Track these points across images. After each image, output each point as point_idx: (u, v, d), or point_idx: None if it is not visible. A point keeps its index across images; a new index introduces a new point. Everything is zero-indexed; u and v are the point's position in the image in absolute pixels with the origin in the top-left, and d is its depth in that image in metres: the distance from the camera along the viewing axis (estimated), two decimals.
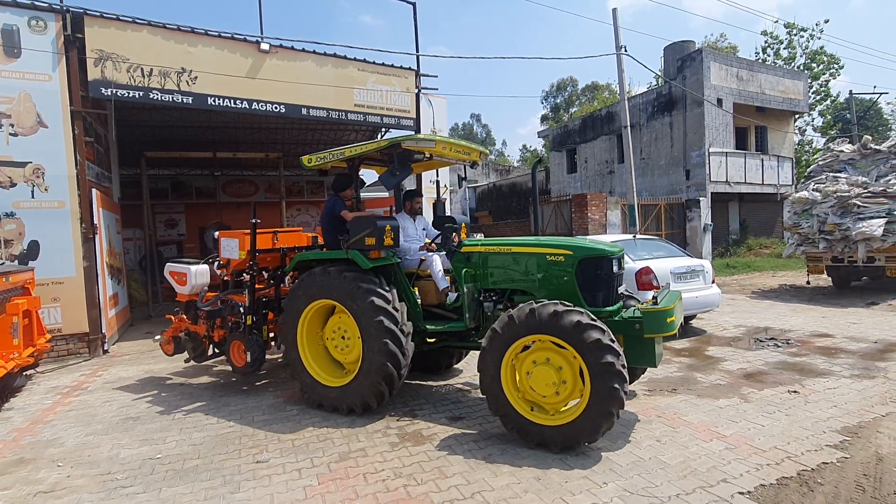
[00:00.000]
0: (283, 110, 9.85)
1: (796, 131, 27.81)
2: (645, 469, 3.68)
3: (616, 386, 3.67)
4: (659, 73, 21.70)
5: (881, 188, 10.43)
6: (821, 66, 31.84)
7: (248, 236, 5.64)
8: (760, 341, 7.45)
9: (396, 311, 4.67)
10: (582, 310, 3.89)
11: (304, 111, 10.09)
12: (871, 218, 10.13)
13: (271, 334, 6.07)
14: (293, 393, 5.73)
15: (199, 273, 6.14)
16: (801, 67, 30.71)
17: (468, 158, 5.39)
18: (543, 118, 53.33)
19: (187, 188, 17.80)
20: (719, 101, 19.25)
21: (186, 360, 6.30)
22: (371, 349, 4.65)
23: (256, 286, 5.79)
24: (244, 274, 5.81)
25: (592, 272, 4.44)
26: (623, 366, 3.72)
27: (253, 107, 9.52)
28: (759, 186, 20.50)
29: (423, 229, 5.80)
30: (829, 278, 12.41)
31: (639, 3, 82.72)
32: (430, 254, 5.28)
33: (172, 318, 6.37)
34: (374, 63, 11.02)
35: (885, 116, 38.60)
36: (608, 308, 4.43)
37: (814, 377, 5.68)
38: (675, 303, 4.20)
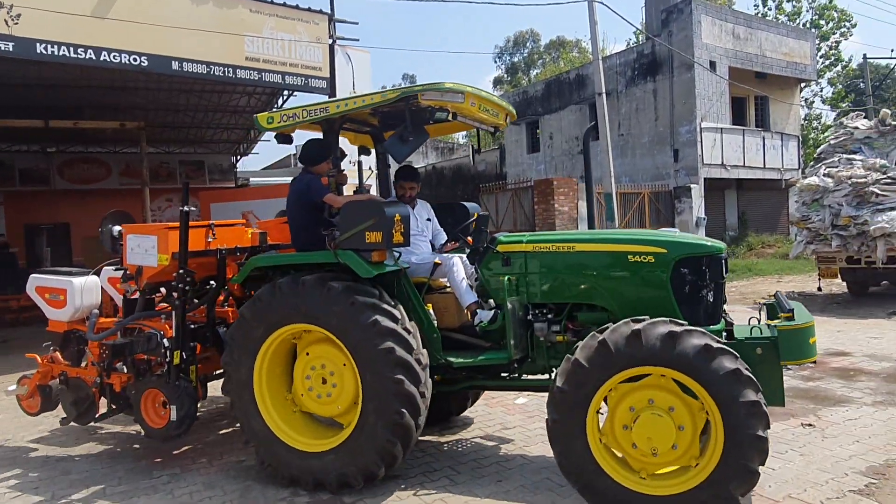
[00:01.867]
0: (146, 63, 9.45)
1: (802, 103, 29.77)
2: None
3: (761, 433, 3.47)
4: (640, 28, 22.54)
5: None
6: (830, 25, 34.22)
7: (171, 232, 4.99)
8: None
9: (409, 332, 4.31)
10: (703, 329, 3.74)
11: (175, 65, 9.72)
12: (892, 209, 10.92)
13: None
14: (164, 451, 5.44)
15: (86, 289, 5.53)
16: (808, 25, 32.86)
17: (494, 121, 5.16)
18: (497, 81, 54.21)
19: (7, 170, 16.81)
20: (712, 65, 20.27)
21: (64, 421, 5.57)
22: (375, 392, 4.22)
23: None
24: (161, 289, 5.29)
25: (693, 277, 4.26)
26: (766, 405, 3.56)
27: (102, 57, 9.07)
28: (760, 171, 21.75)
29: (428, 220, 5.49)
30: (844, 283, 13.28)
31: None
32: (449, 256, 5.02)
33: (38, 357, 5.73)
34: (272, 3, 10.80)
35: None
36: (712, 327, 4.25)
37: (831, 406, 6.00)
38: (812, 319, 4.10)
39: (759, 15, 32.42)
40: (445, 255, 5.08)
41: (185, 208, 4.92)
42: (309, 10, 11.26)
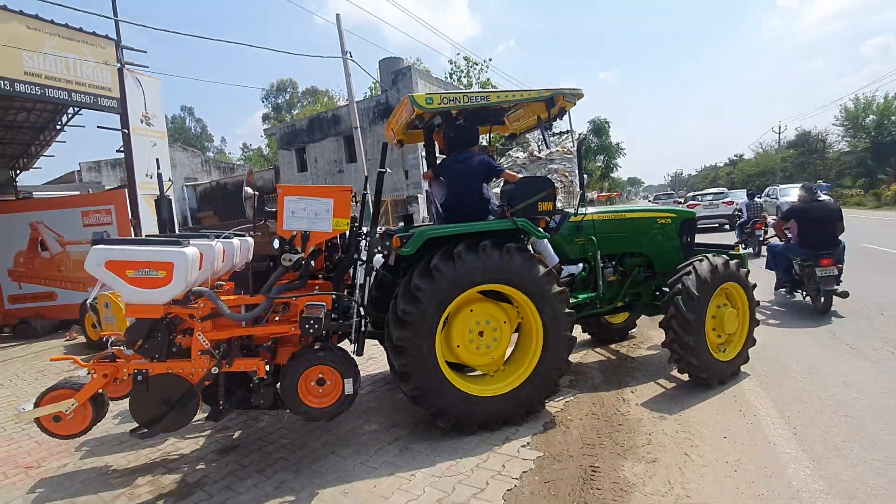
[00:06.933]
0: None
1: None
2: (442, 451, 3.53)
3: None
4: (377, 81, 22.81)
5: None
6: None
7: (344, 195, 3.51)
8: None
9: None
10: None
11: None
12: None
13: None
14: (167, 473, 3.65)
15: (197, 260, 3.25)
16: None
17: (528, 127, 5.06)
18: (265, 117, 50.53)
19: None
20: None
21: (138, 432, 3.26)
22: (553, 322, 3.85)
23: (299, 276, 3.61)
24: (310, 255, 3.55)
25: (688, 231, 5.03)
26: None
27: None
28: None
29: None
30: None
31: (351, 18, 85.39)
32: None
33: (79, 362, 3.44)
34: (52, 22, 8.24)
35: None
36: None
37: None
38: None
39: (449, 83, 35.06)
40: None
41: (384, 169, 3.81)
42: (94, 34, 8.86)
